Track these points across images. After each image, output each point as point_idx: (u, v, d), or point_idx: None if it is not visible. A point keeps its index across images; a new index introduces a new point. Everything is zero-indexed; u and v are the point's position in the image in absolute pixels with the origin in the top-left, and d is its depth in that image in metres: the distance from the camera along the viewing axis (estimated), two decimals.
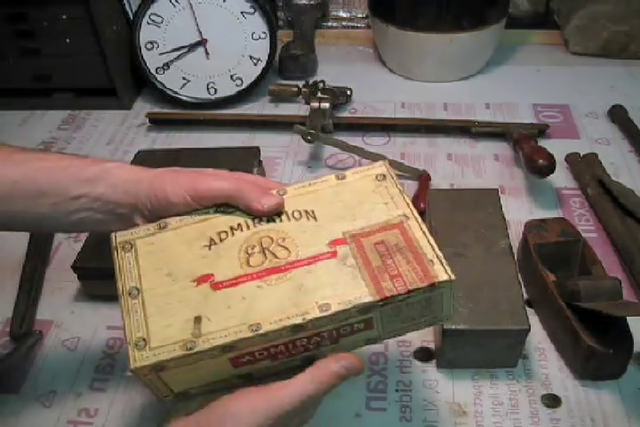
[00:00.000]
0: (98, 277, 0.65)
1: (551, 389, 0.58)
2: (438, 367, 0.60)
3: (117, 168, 0.49)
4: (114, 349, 0.63)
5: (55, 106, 0.99)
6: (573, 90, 0.98)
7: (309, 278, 0.42)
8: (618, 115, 0.90)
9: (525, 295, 0.63)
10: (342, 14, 1.14)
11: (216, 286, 0.43)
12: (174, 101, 0.97)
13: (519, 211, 0.76)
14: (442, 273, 0.41)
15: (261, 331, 0.40)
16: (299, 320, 0.40)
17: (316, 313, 0.40)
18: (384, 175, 0.48)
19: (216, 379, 0.43)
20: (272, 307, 0.41)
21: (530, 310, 0.62)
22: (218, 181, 0.47)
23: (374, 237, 0.44)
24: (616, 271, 0.67)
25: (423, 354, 0.61)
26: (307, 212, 0.46)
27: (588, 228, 0.73)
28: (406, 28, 0.96)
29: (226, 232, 0.46)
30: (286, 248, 0.44)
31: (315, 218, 0.46)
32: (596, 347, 0.54)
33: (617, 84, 0.99)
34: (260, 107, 0.98)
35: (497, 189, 0.68)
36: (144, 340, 0.41)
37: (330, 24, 1.15)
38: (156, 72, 0.96)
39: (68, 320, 0.67)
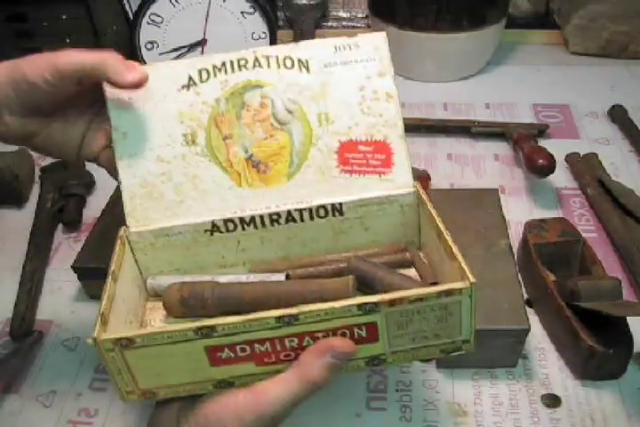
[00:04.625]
0: (98, 277, 0.64)
1: (551, 389, 0.58)
2: (438, 367, 0.60)
3: None
4: None
5: None
6: (573, 90, 0.98)
7: None
8: (618, 115, 0.90)
9: (525, 295, 0.63)
10: (342, 14, 1.14)
11: None
12: None
13: (519, 211, 0.76)
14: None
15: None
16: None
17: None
18: None
19: (191, 379, 0.39)
20: None
21: (530, 310, 0.62)
22: (78, 54, 0.47)
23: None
24: (616, 271, 0.67)
25: None
26: None
27: (588, 228, 0.73)
28: (406, 27, 0.96)
29: None
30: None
31: None
32: (596, 347, 0.54)
33: (617, 84, 0.99)
34: None
35: (497, 189, 0.68)
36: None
37: (330, 24, 1.15)
38: None
39: (68, 320, 0.66)
